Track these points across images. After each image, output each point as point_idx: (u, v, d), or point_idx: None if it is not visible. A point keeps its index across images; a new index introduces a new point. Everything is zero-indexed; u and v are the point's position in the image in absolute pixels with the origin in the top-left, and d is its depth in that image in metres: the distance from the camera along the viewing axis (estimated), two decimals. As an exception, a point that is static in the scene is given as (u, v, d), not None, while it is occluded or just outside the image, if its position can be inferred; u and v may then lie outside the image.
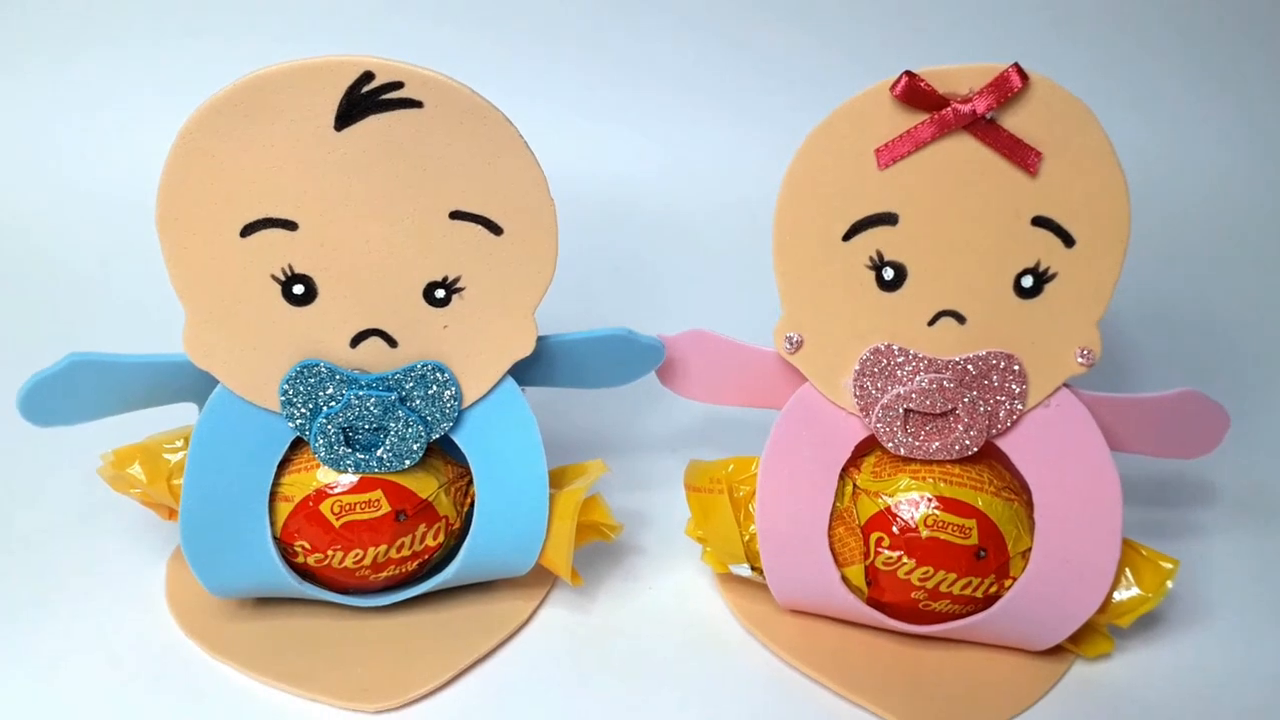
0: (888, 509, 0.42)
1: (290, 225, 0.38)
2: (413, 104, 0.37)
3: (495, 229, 0.39)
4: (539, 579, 0.47)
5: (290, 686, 0.41)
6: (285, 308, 0.39)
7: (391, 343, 0.41)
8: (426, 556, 0.44)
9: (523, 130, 0.39)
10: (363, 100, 0.36)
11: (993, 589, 0.42)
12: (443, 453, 0.45)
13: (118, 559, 0.48)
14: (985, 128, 0.38)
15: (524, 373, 0.43)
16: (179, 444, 0.43)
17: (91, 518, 0.50)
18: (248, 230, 0.38)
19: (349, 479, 0.42)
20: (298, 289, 0.39)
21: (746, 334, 0.46)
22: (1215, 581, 0.50)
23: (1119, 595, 0.43)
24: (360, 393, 0.40)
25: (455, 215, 0.39)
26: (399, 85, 0.36)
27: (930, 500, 0.42)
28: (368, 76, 0.36)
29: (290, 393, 0.40)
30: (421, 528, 0.43)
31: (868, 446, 0.44)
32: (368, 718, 0.40)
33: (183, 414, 0.44)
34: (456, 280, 0.40)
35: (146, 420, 0.43)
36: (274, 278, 0.39)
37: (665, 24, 0.69)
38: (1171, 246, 0.69)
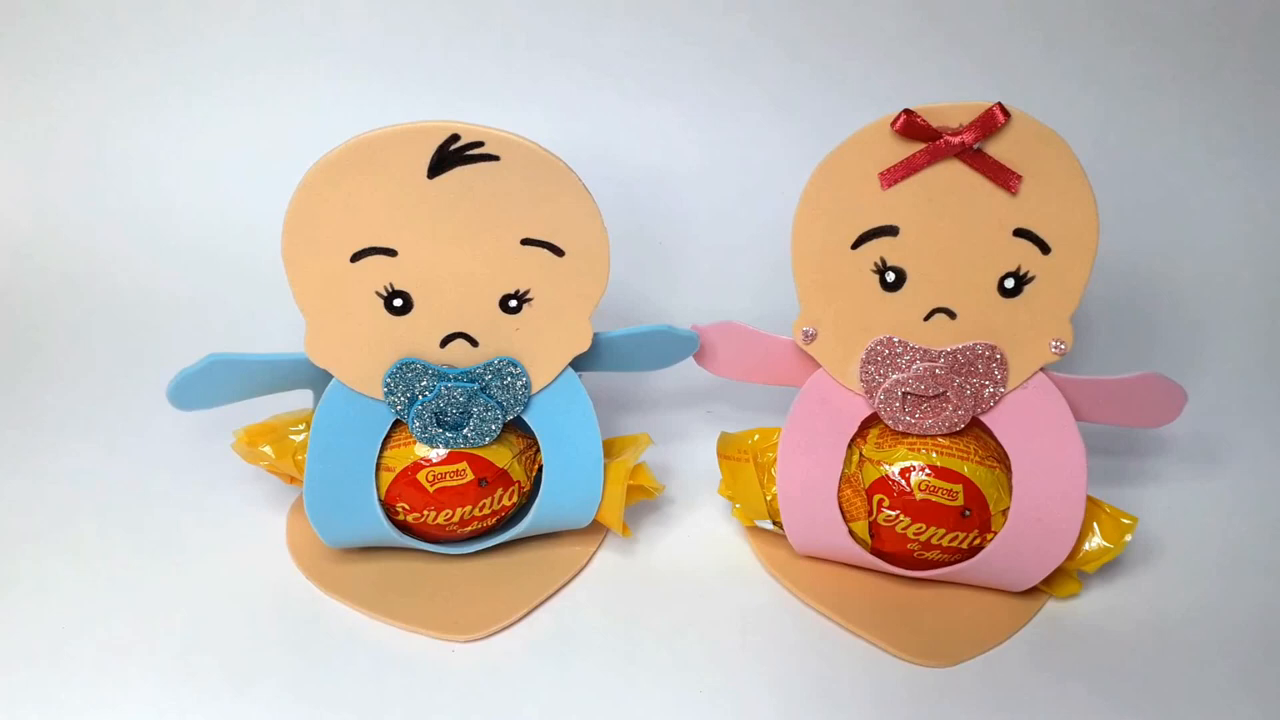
0: (888, 475, 0.46)
1: (391, 252, 0.42)
2: (491, 158, 0.41)
3: (558, 252, 0.44)
4: (594, 528, 0.51)
5: (391, 619, 0.46)
6: (387, 317, 0.44)
7: (473, 343, 0.45)
8: (503, 513, 0.49)
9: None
10: (450, 156, 0.40)
11: (976, 541, 0.46)
12: (514, 427, 0.48)
13: (244, 513, 0.53)
14: (973, 155, 0.41)
15: (582, 363, 0.47)
16: (301, 427, 0.48)
17: (220, 480, 0.54)
18: (357, 257, 0.42)
19: (440, 453, 0.47)
20: (397, 302, 0.44)
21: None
22: (1168, 526, 0.53)
23: (1086, 545, 0.47)
24: (449, 384, 0.45)
25: (525, 242, 0.43)
26: (480, 144, 0.40)
27: (924, 468, 0.46)
28: (455, 138, 0.40)
29: (392, 385, 0.45)
30: (499, 491, 0.48)
31: (872, 421, 0.48)
32: (457, 646, 0.45)
33: (296, 398, 0.49)
34: (526, 293, 0.44)
35: (265, 402, 0.48)
36: (378, 294, 0.43)
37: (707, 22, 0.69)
38: (1149, 234, 0.70)
